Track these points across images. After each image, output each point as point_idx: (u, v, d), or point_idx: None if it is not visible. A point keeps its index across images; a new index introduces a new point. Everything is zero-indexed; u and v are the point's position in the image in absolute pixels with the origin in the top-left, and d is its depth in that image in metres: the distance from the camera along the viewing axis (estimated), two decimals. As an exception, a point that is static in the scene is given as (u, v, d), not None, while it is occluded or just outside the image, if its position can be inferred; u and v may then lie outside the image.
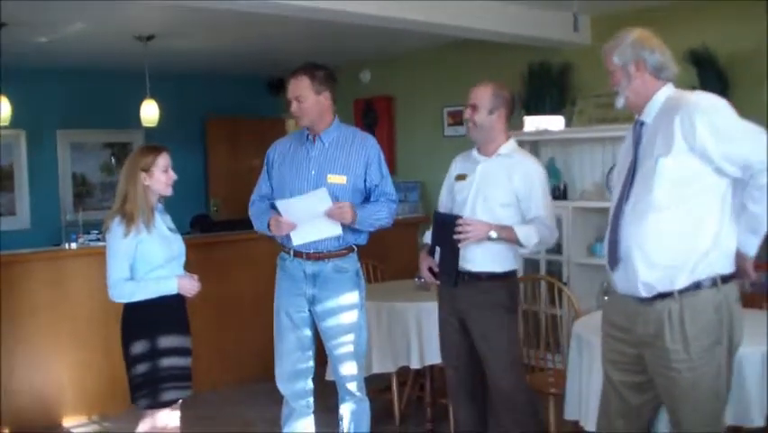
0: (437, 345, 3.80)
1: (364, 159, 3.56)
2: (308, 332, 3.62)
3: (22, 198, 7.90)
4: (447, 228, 3.43)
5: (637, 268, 2.57)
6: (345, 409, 3.66)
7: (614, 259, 2.66)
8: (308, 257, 3.54)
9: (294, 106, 3.53)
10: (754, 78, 5.04)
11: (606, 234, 2.74)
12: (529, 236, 3.43)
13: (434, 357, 4.06)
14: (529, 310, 4.42)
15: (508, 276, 3.57)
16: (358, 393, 3.64)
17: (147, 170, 3.33)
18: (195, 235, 6.28)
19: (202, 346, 5.27)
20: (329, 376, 3.91)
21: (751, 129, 2.50)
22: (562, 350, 4.32)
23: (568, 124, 5.94)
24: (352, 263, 3.60)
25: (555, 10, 5.56)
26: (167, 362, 3.33)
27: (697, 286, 2.52)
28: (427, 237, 3.71)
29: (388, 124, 7.88)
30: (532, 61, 6.11)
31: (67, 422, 5.00)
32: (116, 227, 3.27)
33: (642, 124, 2.68)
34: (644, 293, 2.57)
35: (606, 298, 2.91)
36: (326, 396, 4.03)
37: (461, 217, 3.44)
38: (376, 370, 4.29)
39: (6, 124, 6.28)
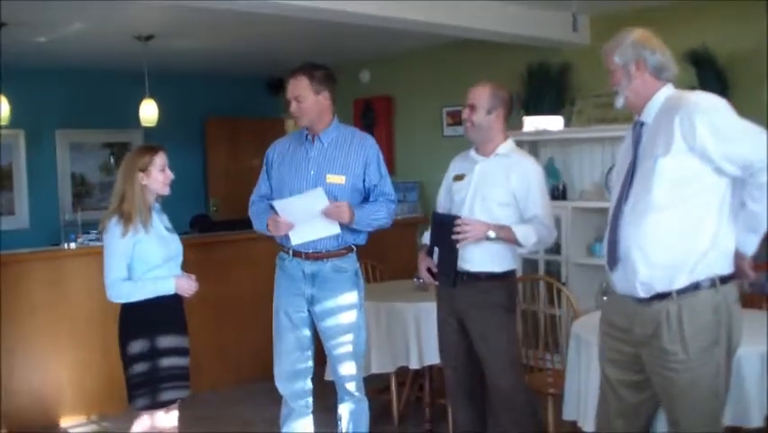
0: (436, 345, 3.80)
1: (363, 159, 3.56)
2: (307, 332, 3.62)
3: (21, 198, 7.90)
4: (445, 228, 3.43)
5: (636, 268, 2.56)
6: (344, 410, 3.66)
7: (613, 259, 2.66)
8: (307, 257, 3.54)
9: (293, 107, 3.53)
10: (754, 79, 5.05)
11: (605, 234, 2.74)
12: (528, 236, 3.43)
13: (433, 357, 4.06)
14: (528, 310, 4.42)
15: (507, 276, 3.57)
16: (357, 393, 3.63)
17: (144, 169, 3.33)
18: (194, 235, 6.28)
19: (201, 346, 5.28)
20: (328, 376, 3.91)
21: (751, 128, 2.50)
22: (561, 350, 4.32)
23: (567, 124, 5.95)
24: (350, 263, 3.60)
25: (554, 10, 5.56)
26: (166, 362, 3.33)
27: (696, 287, 2.52)
28: (426, 238, 3.71)
29: (387, 125, 7.87)
30: (531, 62, 6.11)
31: (66, 422, 5.00)
32: (114, 227, 3.27)
33: (642, 124, 2.68)
34: (642, 293, 2.57)
35: (605, 298, 2.91)
36: (325, 396, 4.03)
37: (459, 218, 3.44)
38: (375, 370, 4.29)
39: (5, 123, 6.29)
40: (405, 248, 6.51)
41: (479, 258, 3.48)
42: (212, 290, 5.39)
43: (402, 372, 4.59)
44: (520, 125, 5.92)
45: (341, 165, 3.53)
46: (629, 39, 2.67)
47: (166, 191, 3.40)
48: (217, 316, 5.59)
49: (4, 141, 7.52)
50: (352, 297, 3.57)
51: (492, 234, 3.40)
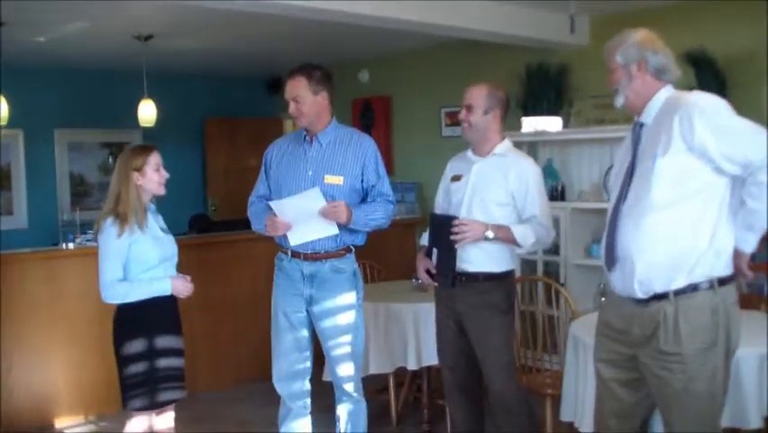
0: (434, 346, 3.80)
1: (361, 159, 3.56)
2: (306, 333, 3.62)
3: (19, 198, 7.89)
4: (444, 229, 3.43)
5: (634, 268, 2.56)
6: (342, 410, 3.66)
7: (611, 259, 2.66)
8: (306, 257, 3.53)
9: (292, 107, 3.52)
10: (752, 79, 5.05)
11: (603, 235, 2.73)
12: (526, 236, 3.43)
13: (431, 358, 4.05)
14: (526, 311, 4.42)
15: (506, 276, 3.57)
16: (355, 394, 3.63)
17: (139, 169, 3.32)
18: (193, 235, 6.28)
19: (200, 346, 5.30)
20: (326, 377, 3.90)
21: (750, 127, 2.50)
22: (559, 351, 4.32)
23: (565, 125, 5.95)
24: (349, 264, 3.60)
25: (552, 11, 5.55)
26: (163, 362, 3.33)
27: (694, 288, 2.52)
28: (425, 239, 3.71)
29: (385, 125, 7.87)
30: (530, 62, 6.10)
31: (63, 422, 5.00)
32: (109, 228, 3.26)
33: (641, 125, 2.68)
34: (640, 293, 2.57)
35: (603, 299, 2.91)
36: (323, 396, 4.02)
37: (457, 218, 3.44)
38: (373, 371, 4.29)
39: (4, 123, 6.28)
40: (403, 249, 6.51)
41: (477, 258, 3.48)
42: (210, 290, 5.40)
43: (400, 372, 4.58)
44: (519, 126, 5.92)
45: (339, 166, 3.53)
46: (632, 39, 2.67)
47: (161, 191, 3.40)
48: (216, 316, 5.59)
49: (3, 140, 7.51)
50: (350, 297, 3.57)
51: (490, 234, 3.40)
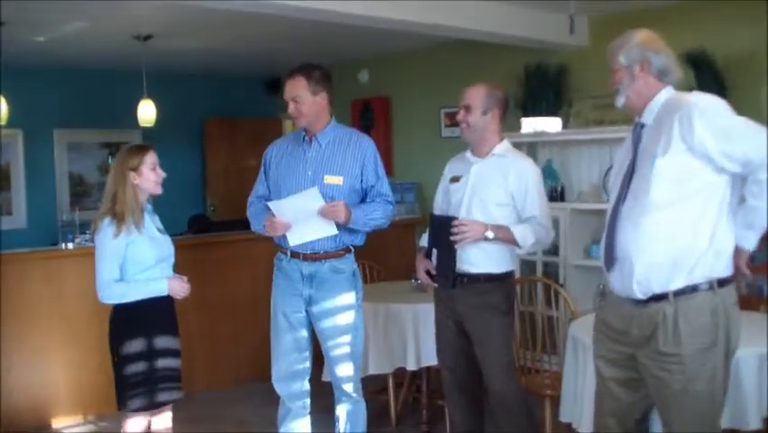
0: (434, 346, 3.79)
1: (360, 160, 3.56)
2: (305, 333, 3.61)
3: (18, 198, 7.89)
4: (443, 229, 3.43)
5: (633, 268, 2.56)
6: (341, 411, 3.66)
7: (610, 259, 2.66)
8: (305, 258, 3.53)
9: (291, 107, 3.52)
10: (752, 80, 5.05)
11: (602, 235, 2.73)
12: (525, 236, 3.43)
13: (431, 359, 4.05)
14: (526, 312, 4.42)
15: (506, 277, 3.57)
16: (354, 394, 3.63)
17: (136, 169, 3.31)
18: (192, 235, 6.28)
19: (199, 346, 5.30)
20: (325, 377, 3.90)
21: (750, 126, 2.50)
22: (559, 352, 4.32)
23: (565, 125, 5.95)
24: (348, 264, 3.60)
25: (551, 11, 5.55)
26: (161, 363, 3.33)
27: (693, 289, 2.52)
28: (424, 240, 3.71)
29: (384, 125, 7.87)
30: (529, 63, 6.10)
31: (62, 422, 4.99)
32: (106, 228, 3.26)
33: (642, 126, 2.68)
34: (639, 294, 2.57)
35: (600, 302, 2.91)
36: (323, 397, 4.02)
37: (456, 218, 3.44)
38: (372, 371, 4.29)
39: (4, 123, 6.28)
40: (403, 249, 6.50)
41: (477, 259, 3.48)
42: (210, 291, 5.40)
43: (400, 373, 4.58)
44: (518, 127, 5.91)
45: (338, 166, 3.53)
46: (635, 39, 2.68)
47: (158, 190, 3.39)
48: (215, 316, 5.58)
49: (2, 140, 7.50)
50: (349, 298, 3.57)
51: (490, 234, 3.40)
